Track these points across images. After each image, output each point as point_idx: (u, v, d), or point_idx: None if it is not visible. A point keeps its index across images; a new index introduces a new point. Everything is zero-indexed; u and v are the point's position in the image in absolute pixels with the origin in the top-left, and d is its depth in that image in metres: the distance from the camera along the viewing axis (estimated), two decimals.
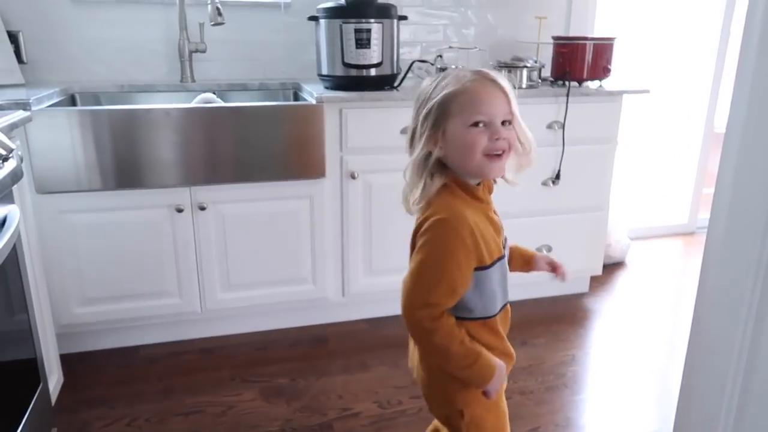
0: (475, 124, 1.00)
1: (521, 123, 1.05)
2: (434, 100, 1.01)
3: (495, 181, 1.11)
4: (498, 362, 1.05)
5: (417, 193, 1.03)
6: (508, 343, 1.15)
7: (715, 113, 3.21)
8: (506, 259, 1.12)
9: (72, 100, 2.17)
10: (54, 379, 1.73)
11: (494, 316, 1.09)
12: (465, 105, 0.99)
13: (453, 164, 1.03)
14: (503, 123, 1.02)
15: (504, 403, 1.19)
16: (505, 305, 1.13)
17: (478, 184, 1.07)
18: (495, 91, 1.01)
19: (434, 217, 0.99)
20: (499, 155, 1.01)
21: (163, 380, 1.92)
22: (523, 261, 1.25)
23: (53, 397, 1.70)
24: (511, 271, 1.17)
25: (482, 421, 1.12)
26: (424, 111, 1.02)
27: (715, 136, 3.24)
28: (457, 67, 1.07)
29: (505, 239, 1.14)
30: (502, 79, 1.03)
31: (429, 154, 1.03)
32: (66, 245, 1.89)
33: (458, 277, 0.99)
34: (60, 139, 1.80)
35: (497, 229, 1.09)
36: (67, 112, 1.81)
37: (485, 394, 1.06)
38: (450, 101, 1.00)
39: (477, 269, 1.02)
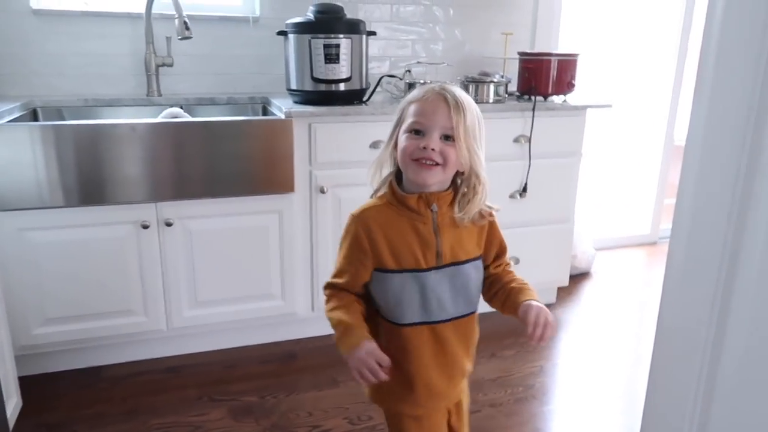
0: (412, 131, 1.07)
1: (470, 148, 1.07)
2: (399, 107, 1.12)
3: (458, 206, 1.11)
4: (363, 344, 1.03)
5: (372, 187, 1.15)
6: (434, 374, 1.13)
7: (674, 126, 3.31)
8: (446, 272, 1.10)
9: (34, 115, 2.12)
10: (12, 403, 1.67)
11: (401, 325, 1.10)
12: (411, 113, 1.08)
13: (400, 167, 1.11)
14: (446, 138, 1.06)
15: (436, 422, 1.19)
16: (425, 323, 1.10)
17: (420, 196, 1.08)
18: (440, 105, 1.05)
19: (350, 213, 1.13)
20: (428, 165, 1.05)
21: (127, 401, 1.87)
22: (508, 305, 1.16)
23: (11, 422, 1.64)
24: (494, 306, 1.20)
25: (400, 423, 1.18)
26: (395, 115, 1.13)
27: (675, 148, 3.34)
28: (430, 82, 1.12)
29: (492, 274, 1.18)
30: (460, 98, 1.06)
31: (390, 156, 1.13)
32: (26, 264, 1.83)
33: (344, 265, 1.12)
34: (21, 155, 1.75)
35: (425, 242, 1.09)
36: (28, 128, 1.77)
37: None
38: (405, 108, 1.10)
39: (377, 269, 1.10)
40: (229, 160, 1.95)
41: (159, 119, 2.05)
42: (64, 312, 1.91)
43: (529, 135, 2.29)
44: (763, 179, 0.65)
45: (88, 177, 1.83)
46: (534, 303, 1.08)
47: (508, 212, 2.36)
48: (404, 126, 1.08)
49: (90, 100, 2.23)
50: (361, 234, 1.09)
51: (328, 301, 1.14)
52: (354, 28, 2.11)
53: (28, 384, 1.86)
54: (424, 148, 1.04)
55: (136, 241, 1.93)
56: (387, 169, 1.14)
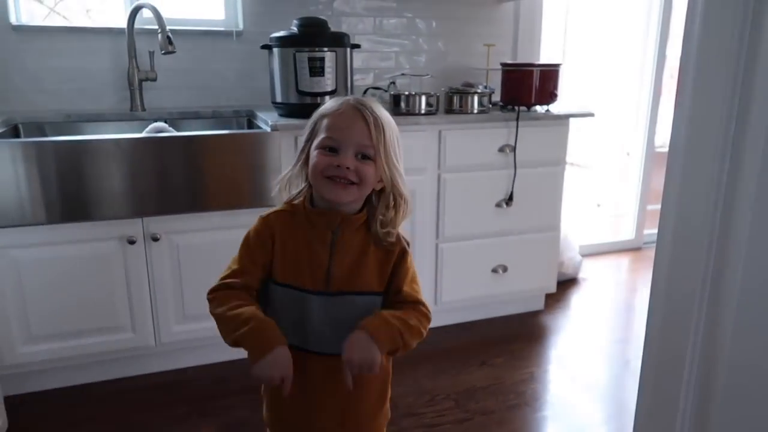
0: (325, 147, 1.00)
1: (391, 165, 1.01)
2: (311, 119, 1.05)
3: (378, 224, 1.03)
4: (275, 350, 0.94)
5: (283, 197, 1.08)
6: (288, 410, 1.07)
7: (655, 133, 3.36)
8: (328, 301, 1.02)
9: (15, 131, 2.10)
10: None
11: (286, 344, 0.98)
12: (323, 127, 1.01)
13: (312, 183, 1.03)
14: (363, 156, 0.99)
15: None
16: (295, 348, 1.00)
17: (324, 213, 1.02)
18: (356, 121, 0.99)
19: None
20: (343, 183, 0.98)
21: (116, 419, 1.84)
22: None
23: None
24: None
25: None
26: (306, 128, 1.06)
27: (656, 155, 3.40)
28: (346, 96, 1.05)
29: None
30: (378, 114, 1.00)
31: (303, 172, 1.05)
32: (9, 281, 1.81)
33: (245, 263, 1.03)
34: (2, 173, 1.73)
35: (316, 261, 1.01)
36: (9, 145, 1.75)
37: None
38: (318, 122, 1.03)
39: (267, 278, 1.04)
40: (215, 173, 1.95)
41: (143, 134, 2.04)
42: (50, 330, 1.88)
43: (513, 144, 2.31)
44: (746, 183, 0.66)
45: (72, 193, 1.81)
46: (356, 333, 0.95)
47: (495, 221, 2.39)
48: (317, 141, 1.01)
49: (72, 115, 2.21)
50: (264, 233, 1.04)
51: (219, 304, 1.00)
52: (338, 41, 2.13)
53: (14, 404, 1.83)
54: (338, 166, 0.97)
55: (123, 256, 1.91)
56: (295, 188, 1.07)
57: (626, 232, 3.53)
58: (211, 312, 1.02)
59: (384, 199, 1.05)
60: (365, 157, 0.99)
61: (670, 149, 0.77)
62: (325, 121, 1.01)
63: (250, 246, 1.05)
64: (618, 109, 3.43)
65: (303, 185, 1.06)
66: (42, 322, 1.87)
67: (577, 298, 2.84)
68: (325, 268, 1.02)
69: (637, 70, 3.33)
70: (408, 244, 1.07)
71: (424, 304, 1.05)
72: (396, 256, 1.04)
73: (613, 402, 2.01)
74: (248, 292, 1.03)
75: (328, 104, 1.04)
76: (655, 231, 0.82)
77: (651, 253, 0.84)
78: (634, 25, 3.30)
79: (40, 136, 2.11)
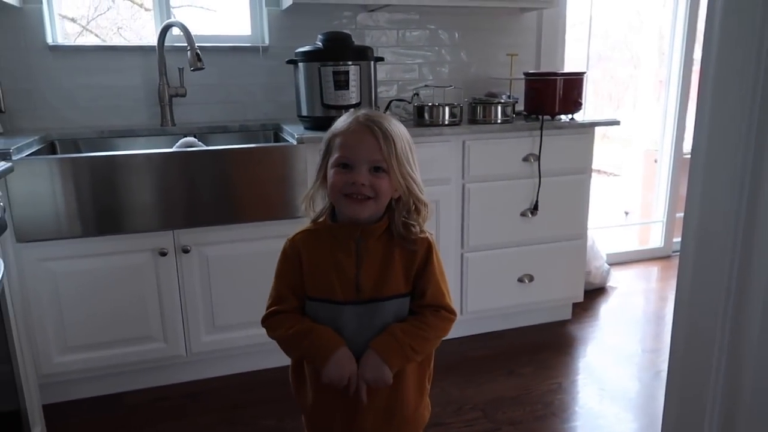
0: (339, 165, 1.03)
1: (405, 175, 1.04)
2: (325, 138, 1.09)
3: (402, 227, 1.07)
4: (337, 353, 1.03)
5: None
6: (333, 414, 1.12)
7: (683, 139, 3.32)
8: (361, 310, 1.06)
9: (52, 148, 2.18)
10: (37, 430, 1.69)
11: None
12: (337, 146, 1.04)
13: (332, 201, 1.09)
14: (376, 169, 1.02)
15: None
16: None
17: (345, 226, 1.06)
18: (365, 137, 1.02)
19: None
20: (359, 199, 1.02)
21: (146, 428, 1.88)
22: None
23: None
24: None
25: None
26: (321, 146, 1.10)
27: (684, 161, 3.35)
28: (356, 111, 1.08)
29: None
30: (386, 127, 1.03)
31: (320, 189, 1.10)
32: (47, 293, 1.87)
33: (282, 289, 1.09)
34: (40, 188, 1.80)
35: (343, 273, 1.05)
36: (47, 161, 1.82)
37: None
38: (331, 141, 1.07)
39: (302, 295, 1.09)
40: (243, 186, 1.99)
41: (174, 149, 2.09)
42: (85, 340, 1.94)
43: (538, 154, 2.31)
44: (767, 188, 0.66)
45: (106, 207, 1.87)
46: (368, 353, 1.03)
47: (520, 230, 2.38)
48: (332, 159, 1.05)
49: (105, 131, 2.28)
50: (292, 255, 1.09)
51: (276, 328, 1.08)
52: (362, 54, 2.16)
53: (51, 412, 1.88)
54: (353, 183, 1.01)
55: (154, 268, 1.96)
56: (320, 204, 1.11)
57: (655, 240, 3.48)
58: (270, 337, 1.10)
59: (403, 205, 1.08)
60: (378, 169, 1.03)
61: (691, 156, 0.78)
62: (337, 140, 1.05)
63: (281, 272, 1.11)
64: (645, 116, 3.39)
65: (325, 201, 1.11)
66: (77, 333, 1.93)
67: (605, 308, 2.80)
68: (353, 278, 1.05)
69: (663, 75, 3.30)
70: (432, 240, 1.10)
71: (446, 307, 1.08)
72: (421, 257, 1.07)
73: (644, 413, 1.98)
74: (295, 312, 1.09)
75: (339, 122, 1.07)
76: None
77: None
78: (660, 30, 3.27)
79: (76, 152, 2.18)
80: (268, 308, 1.11)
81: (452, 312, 1.09)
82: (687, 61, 3.20)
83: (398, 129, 1.06)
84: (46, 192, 1.81)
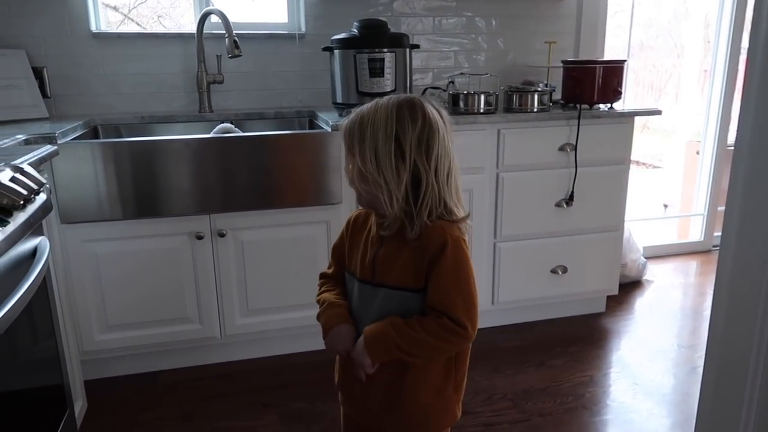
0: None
1: (365, 161, 1.01)
2: None
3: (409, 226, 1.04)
4: (333, 328, 1.10)
5: None
6: (342, 389, 1.19)
7: (728, 131, 3.21)
8: (366, 289, 1.09)
9: (94, 132, 2.24)
10: (79, 405, 1.76)
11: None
12: None
13: None
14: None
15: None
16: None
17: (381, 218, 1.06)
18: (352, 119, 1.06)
19: None
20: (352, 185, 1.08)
21: (183, 406, 1.94)
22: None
23: (78, 423, 1.72)
24: None
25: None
26: None
27: (728, 153, 3.25)
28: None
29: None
30: (352, 120, 1.04)
31: None
32: (89, 273, 1.94)
33: (331, 256, 1.21)
34: (84, 171, 1.86)
35: (365, 251, 1.09)
36: (90, 145, 1.87)
37: None
38: None
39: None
40: (278, 172, 2.01)
41: (211, 135, 2.13)
42: (124, 319, 2.00)
43: (574, 143, 2.27)
44: None
45: (145, 190, 1.92)
46: (360, 338, 1.07)
47: (555, 221, 2.35)
48: None
49: (146, 117, 2.33)
50: (344, 229, 1.18)
51: (318, 289, 1.20)
52: (398, 42, 2.15)
53: (91, 387, 1.95)
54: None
55: (191, 251, 2.00)
56: None
57: (695, 234, 3.39)
58: None
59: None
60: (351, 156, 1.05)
61: (735, 148, 0.76)
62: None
63: (336, 241, 1.20)
64: (688, 106, 3.30)
65: None
66: (117, 312, 1.99)
67: (640, 302, 2.76)
68: (372, 260, 1.09)
69: (708, 64, 3.19)
70: (454, 240, 1.02)
71: (451, 316, 1.01)
72: (431, 255, 1.01)
73: (678, 410, 1.95)
74: (337, 279, 1.18)
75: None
76: None
77: None
78: (706, 18, 3.17)
79: (117, 137, 2.24)
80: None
81: (459, 324, 1.00)
82: (734, 50, 3.09)
83: (379, 115, 1.01)
84: (89, 175, 1.86)
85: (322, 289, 1.18)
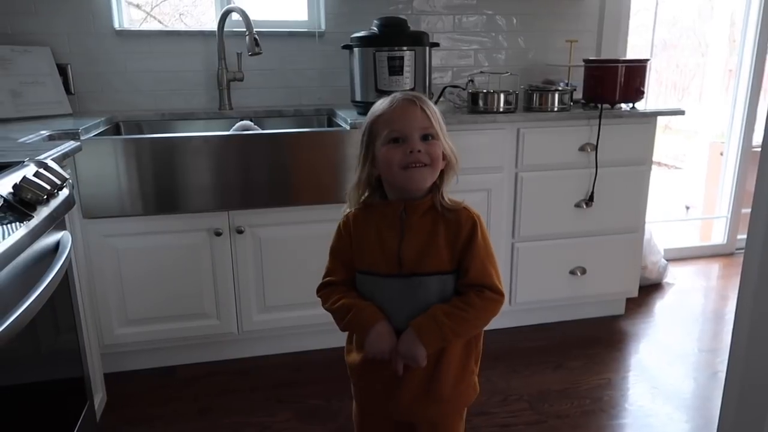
0: (391, 141, 1.07)
1: (447, 140, 1.10)
2: (365, 125, 1.12)
3: (439, 206, 1.10)
4: (374, 327, 1.08)
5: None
6: (374, 385, 1.17)
7: (753, 131, 3.15)
8: (399, 283, 1.09)
9: (116, 129, 2.27)
10: (98, 397, 1.79)
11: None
12: (383, 125, 1.08)
13: (385, 181, 1.12)
14: (426, 137, 1.07)
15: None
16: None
17: (391, 202, 1.11)
18: (410, 109, 1.07)
19: None
20: (418, 167, 1.06)
21: (200, 400, 1.96)
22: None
23: (98, 416, 1.75)
24: None
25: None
26: (361, 134, 1.13)
27: (753, 154, 3.19)
28: (394, 93, 1.13)
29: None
30: (424, 100, 1.09)
31: (371, 175, 1.12)
32: (110, 268, 1.96)
33: (334, 263, 1.17)
34: (105, 167, 1.88)
35: (386, 246, 1.09)
36: (112, 141, 1.90)
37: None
38: (375, 123, 1.10)
39: (356, 268, 1.14)
40: (297, 170, 2.02)
41: (231, 132, 2.14)
42: (144, 314, 2.03)
43: (595, 143, 2.24)
44: None
45: (165, 187, 1.94)
46: (407, 331, 1.06)
47: (574, 221, 2.33)
48: (381, 139, 1.08)
49: (166, 114, 2.36)
50: (344, 230, 1.15)
51: (326, 300, 1.15)
52: (417, 40, 2.15)
53: (110, 380, 1.98)
54: (411, 152, 1.05)
55: (210, 247, 2.02)
56: (365, 192, 1.14)
57: (717, 237, 3.34)
58: (324, 308, 1.17)
59: (448, 176, 1.11)
60: (429, 137, 1.07)
61: (762, 149, 0.74)
62: (382, 120, 1.08)
63: (334, 245, 1.18)
64: (712, 106, 3.24)
65: (374, 185, 1.14)
66: (137, 306, 2.01)
67: (660, 304, 2.72)
68: (396, 252, 1.08)
69: (733, 64, 3.14)
70: (478, 218, 1.10)
71: (491, 287, 1.08)
72: (465, 234, 1.07)
73: (698, 414, 1.92)
74: (345, 285, 1.15)
75: (377, 106, 1.11)
76: None
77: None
78: (732, 17, 3.11)
79: (138, 134, 2.27)
80: (322, 279, 1.18)
81: (498, 292, 1.08)
82: (760, 50, 3.03)
83: (429, 102, 1.11)
84: (111, 171, 1.89)
85: (336, 297, 1.13)
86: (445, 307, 1.06)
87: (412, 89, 2.14)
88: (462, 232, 1.07)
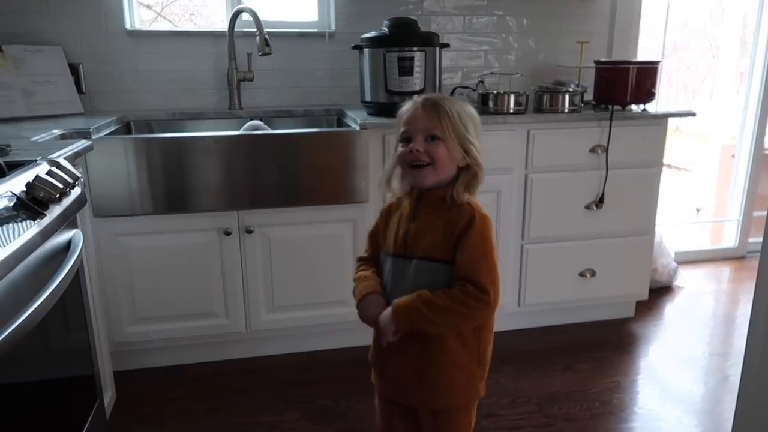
0: (403, 140, 1.16)
1: (463, 141, 1.13)
2: (396, 123, 1.22)
3: (450, 198, 1.15)
4: (365, 297, 1.19)
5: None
6: (376, 360, 1.26)
7: (765, 134, 3.12)
8: (399, 262, 1.18)
9: (127, 128, 2.28)
10: (108, 395, 1.80)
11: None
12: (399, 125, 1.18)
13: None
14: (432, 138, 1.13)
15: (385, 410, 1.30)
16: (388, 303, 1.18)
17: (418, 194, 1.18)
18: (419, 111, 1.14)
19: None
20: (418, 166, 1.13)
21: (208, 399, 1.96)
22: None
23: (107, 413, 1.75)
24: None
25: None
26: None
27: (765, 157, 3.16)
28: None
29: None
30: (437, 100, 1.14)
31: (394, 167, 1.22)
32: (120, 266, 1.97)
33: (367, 241, 1.31)
34: (116, 166, 1.89)
35: (400, 228, 1.19)
36: (123, 141, 1.91)
37: None
38: (397, 124, 1.21)
39: None
40: (306, 170, 2.02)
41: (241, 131, 2.15)
42: (153, 312, 2.03)
43: (606, 145, 2.23)
44: None
45: (175, 186, 1.94)
46: (388, 308, 1.15)
47: (584, 223, 2.32)
48: (397, 138, 1.19)
49: (177, 113, 2.37)
50: (379, 218, 1.28)
51: (355, 273, 1.28)
52: (427, 40, 2.14)
53: (120, 379, 1.99)
54: (410, 151, 1.13)
55: (219, 247, 2.02)
56: (396, 182, 1.22)
57: (728, 240, 3.31)
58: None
59: (466, 174, 1.16)
60: (434, 138, 1.13)
61: None
62: (400, 121, 1.19)
63: (371, 230, 1.31)
64: (723, 109, 3.22)
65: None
66: (146, 305, 2.02)
67: (670, 307, 2.70)
68: (404, 235, 1.18)
69: (745, 66, 3.11)
70: (482, 217, 1.12)
71: (477, 284, 1.08)
72: (462, 226, 1.11)
73: (708, 419, 1.90)
74: (372, 261, 1.28)
75: (402, 107, 1.21)
76: (761, 239, 0.78)
77: (756, 263, 0.79)
78: (744, 19, 3.09)
79: (149, 133, 2.28)
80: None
81: (483, 291, 1.08)
82: None
83: (454, 102, 1.16)
84: (121, 170, 1.90)
85: (359, 269, 1.27)
86: (428, 294, 1.10)
87: (422, 90, 2.14)
88: (459, 224, 1.12)
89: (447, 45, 2.28)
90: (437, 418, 1.22)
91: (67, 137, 1.75)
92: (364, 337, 2.27)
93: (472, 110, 1.18)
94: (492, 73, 2.57)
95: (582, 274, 2.36)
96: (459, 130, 1.13)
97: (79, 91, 2.32)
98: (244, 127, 2.21)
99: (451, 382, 1.18)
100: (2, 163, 1.16)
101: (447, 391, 1.18)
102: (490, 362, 1.23)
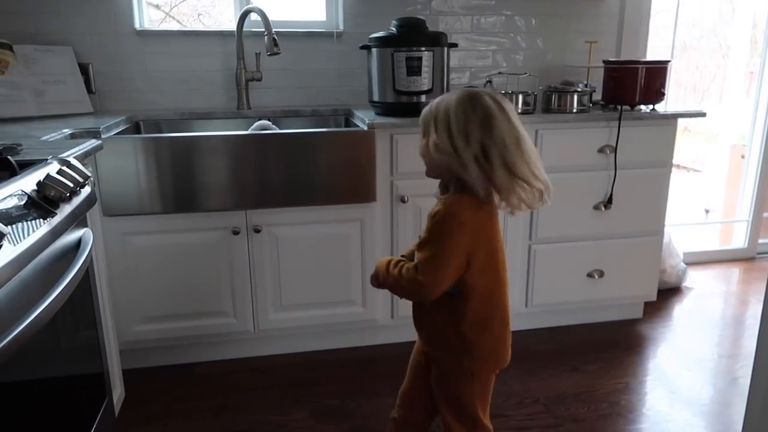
0: None
1: (431, 142, 1.21)
2: None
3: (445, 191, 1.26)
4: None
5: None
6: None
7: None
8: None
9: (136, 128, 2.29)
10: (117, 393, 1.80)
11: None
12: None
13: None
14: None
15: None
16: None
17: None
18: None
19: None
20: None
21: (216, 398, 1.97)
22: None
23: (116, 411, 1.76)
24: None
25: None
26: None
27: None
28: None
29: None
30: (431, 103, 1.25)
31: None
32: (129, 265, 1.98)
33: None
34: (125, 165, 1.90)
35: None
36: (132, 140, 1.92)
37: None
38: None
39: None
40: (314, 170, 2.02)
41: (249, 131, 2.15)
42: (162, 311, 2.04)
43: (614, 145, 2.22)
44: None
45: (184, 185, 1.95)
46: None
47: (592, 223, 2.31)
48: None
49: (186, 113, 2.38)
50: None
51: None
52: (436, 40, 2.14)
53: (129, 377, 2.00)
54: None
55: (227, 246, 2.03)
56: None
57: (738, 241, 3.29)
58: None
59: (454, 169, 1.20)
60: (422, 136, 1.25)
61: None
62: None
63: None
64: (732, 109, 3.20)
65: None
66: (155, 304, 2.03)
67: (679, 309, 2.69)
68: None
69: (755, 65, 3.09)
70: (451, 212, 1.18)
71: (417, 266, 1.20)
72: (429, 217, 1.22)
73: (717, 421, 1.89)
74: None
75: None
76: None
77: (765, 264, 0.79)
78: (754, 18, 3.07)
79: (158, 133, 2.29)
80: None
81: (420, 272, 1.19)
82: None
83: (444, 99, 1.22)
84: (130, 169, 1.91)
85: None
86: (395, 262, 1.27)
87: (431, 90, 2.14)
88: (429, 215, 1.22)
89: (455, 45, 2.28)
90: (439, 371, 1.33)
91: (77, 137, 1.77)
92: (371, 337, 2.29)
93: (454, 103, 1.19)
94: (500, 73, 2.57)
95: (590, 275, 2.35)
96: (430, 125, 1.22)
97: (89, 90, 2.33)
98: (253, 126, 2.22)
99: (438, 340, 1.30)
100: (13, 162, 1.17)
101: (439, 348, 1.31)
102: (491, 358, 1.30)
